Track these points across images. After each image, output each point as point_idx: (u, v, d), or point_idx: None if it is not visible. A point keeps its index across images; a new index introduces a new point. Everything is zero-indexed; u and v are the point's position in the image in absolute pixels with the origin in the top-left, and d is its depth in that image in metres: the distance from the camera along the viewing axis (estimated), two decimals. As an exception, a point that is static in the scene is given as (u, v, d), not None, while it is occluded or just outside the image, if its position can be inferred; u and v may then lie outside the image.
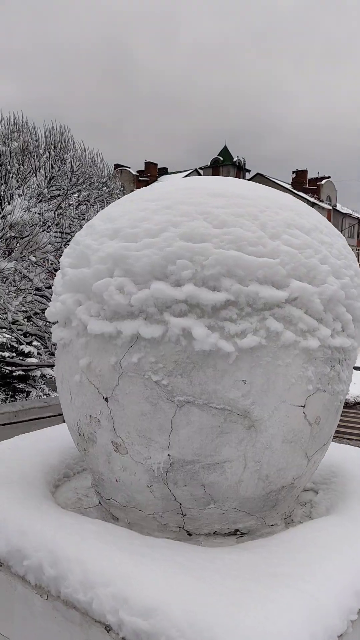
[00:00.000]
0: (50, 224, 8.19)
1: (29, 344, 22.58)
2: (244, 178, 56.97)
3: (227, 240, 1.69)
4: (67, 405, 2.02)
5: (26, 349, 22.55)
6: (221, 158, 56.16)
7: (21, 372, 21.38)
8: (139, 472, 1.82)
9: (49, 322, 9.18)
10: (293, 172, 57.26)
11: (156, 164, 55.22)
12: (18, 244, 7.33)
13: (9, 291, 7.13)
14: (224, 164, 56.04)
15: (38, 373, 21.68)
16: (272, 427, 1.74)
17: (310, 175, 58.36)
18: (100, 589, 1.40)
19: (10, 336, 9.72)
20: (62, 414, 8.15)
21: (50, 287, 9.01)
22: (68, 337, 1.93)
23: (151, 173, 53.39)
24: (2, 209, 7.37)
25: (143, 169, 52.34)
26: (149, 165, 54.00)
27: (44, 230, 7.79)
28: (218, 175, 56.97)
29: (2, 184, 8.10)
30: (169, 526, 1.91)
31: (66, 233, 8.40)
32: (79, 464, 2.59)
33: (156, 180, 53.83)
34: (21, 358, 21.90)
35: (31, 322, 8.03)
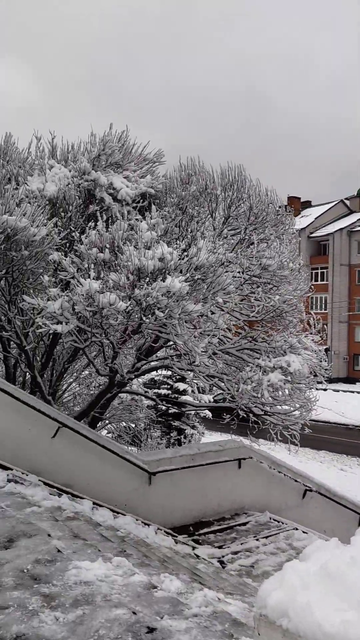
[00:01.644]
0: (229, 264, 8.03)
1: (181, 380, 22.69)
2: (392, 206, 53.72)
3: None
4: None
5: (181, 386, 22.75)
6: (368, 187, 53.77)
7: (175, 410, 21.51)
8: None
9: (228, 363, 8.95)
10: None
11: (299, 198, 54.59)
12: (204, 286, 7.22)
13: (195, 334, 7.01)
14: (372, 192, 53.58)
15: (192, 411, 21.62)
16: None
17: None
18: None
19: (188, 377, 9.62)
20: (240, 459, 7.63)
21: (230, 329, 8.83)
22: None
23: (294, 207, 52.79)
24: (187, 252, 7.35)
25: (286, 203, 51.99)
26: (292, 199, 53.53)
27: (226, 271, 7.63)
28: (364, 204, 54.27)
29: (184, 227, 8.14)
30: None
31: (246, 272, 8.18)
32: None
33: (299, 214, 53.04)
34: (175, 396, 22.06)
35: (212, 362, 7.86)
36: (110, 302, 6.57)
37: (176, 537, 7.79)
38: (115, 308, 6.59)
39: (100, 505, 7.10)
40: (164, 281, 6.70)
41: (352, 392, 40.61)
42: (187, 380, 21.73)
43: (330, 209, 51.60)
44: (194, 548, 7.42)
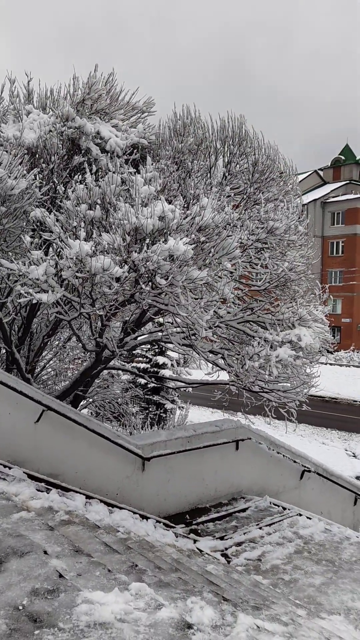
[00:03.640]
0: (233, 226, 7.14)
1: (161, 354, 21.81)
2: (367, 177, 53.47)
3: None
4: None
5: (160, 360, 21.89)
6: (343, 157, 53.33)
7: (155, 384, 20.67)
8: None
9: (227, 337, 8.14)
10: None
11: (273, 168, 53.54)
12: (209, 249, 6.34)
13: (201, 305, 6.16)
14: (346, 163, 53.16)
15: (171, 384, 20.90)
16: None
17: None
18: None
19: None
20: (238, 441, 6.92)
21: (241, 299, 7.98)
22: None
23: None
24: (188, 211, 6.43)
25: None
26: (267, 169, 52.49)
27: (230, 234, 6.74)
28: (339, 175, 54.16)
29: (183, 183, 7.19)
30: None
31: (250, 236, 7.32)
32: None
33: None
34: (155, 370, 21.22)
35: (216, 337, 7.03)
36: (104, 267, 5.63)
37: (174, 527, 7.07)
38: (110, 274, 5.67)
39: (91, 497, 6.30)
40: (165, 243, 5.80)
41: (324, 364, 40.59)
42: (167, 354, 20.96)
43: (303, 179, 50.84)
44: (195, 541, 6.72)
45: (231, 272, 6.77)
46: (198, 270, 6.11)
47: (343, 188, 50.56)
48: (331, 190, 50.40)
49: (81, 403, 9.66)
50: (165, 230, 5.99)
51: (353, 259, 47.43)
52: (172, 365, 20.81)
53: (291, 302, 7.32)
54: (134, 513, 6.51)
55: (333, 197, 49.41)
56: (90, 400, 10.40)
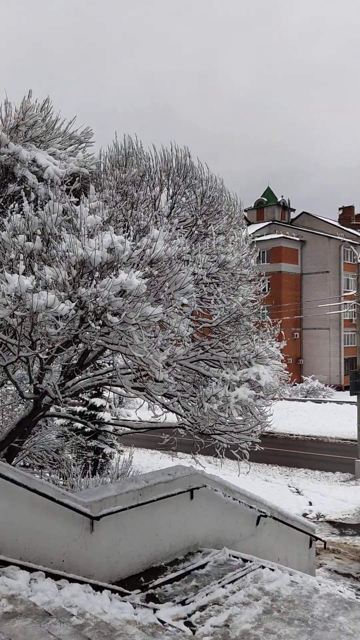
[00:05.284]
0: (185, 261, 6.72)
1: (97, 396, 20.78)
2: (289, 217, 55.85)
3: None
4: None
5: (97, 402, 20.86)
6: (265, 199, 55.41)
7: (91, 428, 19.54)
8: None
9: (179, 378, 7.58)
10: (340, 208, 55.98)
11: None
12: (163, 284, 5.85)
13: (158, 344, 5.60)
14: (269, 204, 55.23)
15: (110, 428, 19.86)
16: None
17: (357, 211, 57.01)
18: None
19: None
20: (192, 489, 6.29)
21: (191, 337, 7.47)
22: None
23: (198, 216, 52.91)
24: (138, 241, 5.94)
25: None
26: (194, 208, 53.55)
27: (181, 269, 6.29)
28: (263, 216, 56.05)
29: (129, 214, 6.73)
30: None
31: (203, 268, 6.92)
32: None
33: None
34: (93, 413, 20.15)
35: (172, 378, 6.44)
36: (48, 304, 4.99)
37: (130, 594, 6.27)
38: (54, 312, 5.02)
39: (34, 570, 5.44)
40: (116, 277, 5.25)
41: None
42: (103, 395, 20.02)
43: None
44: (155, 610, 5.95)
45: (182, 309, 6.30)
46: (151, 306, 5.59)
47: (267, 228, 52.31)
48: (256, 230, 51.95)
49: (19, 454, 8.71)
50: (115, 263, 5.45)
51: (279, 295, 48.76)
52: (109, 407, 19.87)
53: (245, 339, 6.91)
54: (84, 583, 5.69)
55: (258, 236, 50.90)
56: (27, 452, 9.44)
